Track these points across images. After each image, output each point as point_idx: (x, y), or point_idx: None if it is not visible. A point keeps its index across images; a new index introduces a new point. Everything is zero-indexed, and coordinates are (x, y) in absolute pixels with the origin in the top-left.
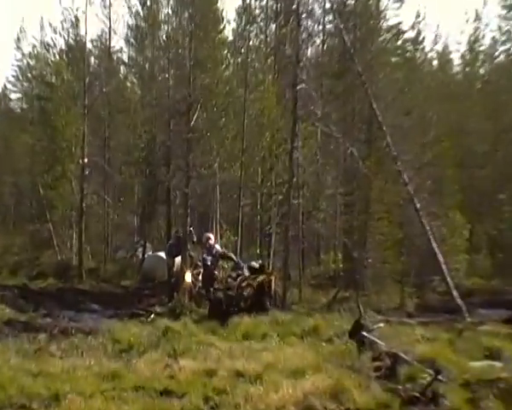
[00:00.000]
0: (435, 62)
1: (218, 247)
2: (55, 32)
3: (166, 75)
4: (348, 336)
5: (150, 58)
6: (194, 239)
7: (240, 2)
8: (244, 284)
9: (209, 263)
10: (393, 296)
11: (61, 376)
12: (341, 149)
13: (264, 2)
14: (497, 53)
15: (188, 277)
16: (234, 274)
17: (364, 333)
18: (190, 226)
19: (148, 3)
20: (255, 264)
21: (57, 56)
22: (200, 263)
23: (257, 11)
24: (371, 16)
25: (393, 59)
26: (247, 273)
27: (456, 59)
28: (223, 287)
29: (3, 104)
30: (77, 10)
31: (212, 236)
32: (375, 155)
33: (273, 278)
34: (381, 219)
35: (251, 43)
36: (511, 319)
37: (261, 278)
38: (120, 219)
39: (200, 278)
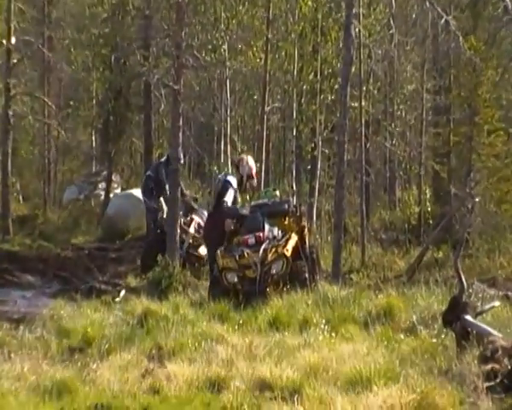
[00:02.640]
0: None
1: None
2: None
3: None
4: (442, 324)
5: None
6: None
7: None
8: (272, 256)
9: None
10: None
11: None
12: (430, 18)
13: None
14: None
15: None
16: (252, 239)
17: (469, 318)
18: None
19: None
20: (266, 199)
21: None
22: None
23: None
24: None
25: None
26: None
27: None
28: (234, 264)
29: None
30: None
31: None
32: (484, 29)
33: (304, 224)
34: (495, 133)
35: None
36: None
37: (293, 234)
38: (70, 136)
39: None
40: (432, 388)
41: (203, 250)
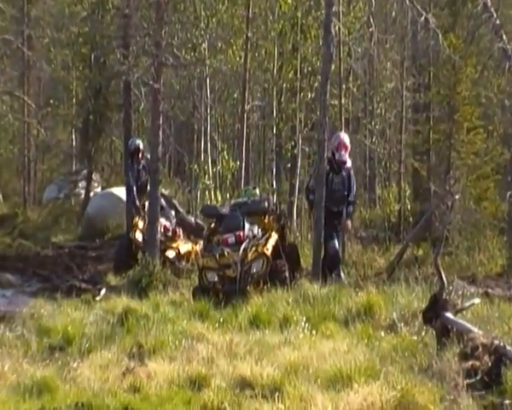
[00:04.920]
0: None
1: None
2: None
3: None
4: (422, 321)
5: None
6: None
7: None
8: (252, 255)
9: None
10: (495, 256)
11: None
12: (409, 16)
13: None
14: None
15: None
16: (232, 238)
17: (449, 315)
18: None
19: None
20: (246, 198)
21: None
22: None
23: None
24: None
25: None
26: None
27: None
28: (214, 263)
29: None
30: None
31: None
32: (463, 27)
33: (284, 223)
34: (475, 131)
35: None
36: None
37: (273, 233)
38: (49, 135)
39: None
40: (412, 385)
41: (171, 253)
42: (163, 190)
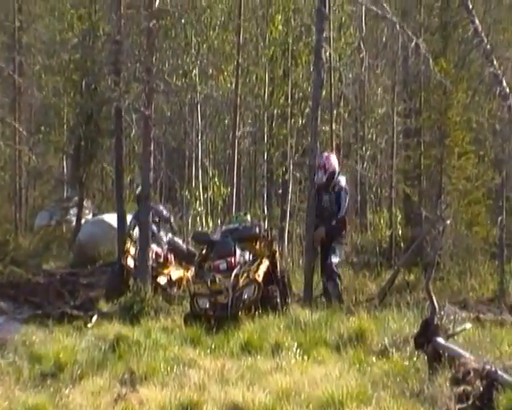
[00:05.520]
0: None
1: None
2: None
3: None
4: (414, 346)
5: None
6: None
7: None
8: (243, 281)
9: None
10: (487, 280)
11: None
12: (400, 41)
13: None
14: None
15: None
16: (223, 264)
17: (441, 340)
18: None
19: None
20: (237, 224)
21: None
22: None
23: None
24: None
25: None
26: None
27: None
28: (205, 289)
29: None
30: None
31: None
32: (454, 52)
33: (275, 249)
34: (466, 156)
35: None
36: None
37: (265, 258)
38: (41, 161)
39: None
40: None
41: (162, 280)
42: (161, 207)
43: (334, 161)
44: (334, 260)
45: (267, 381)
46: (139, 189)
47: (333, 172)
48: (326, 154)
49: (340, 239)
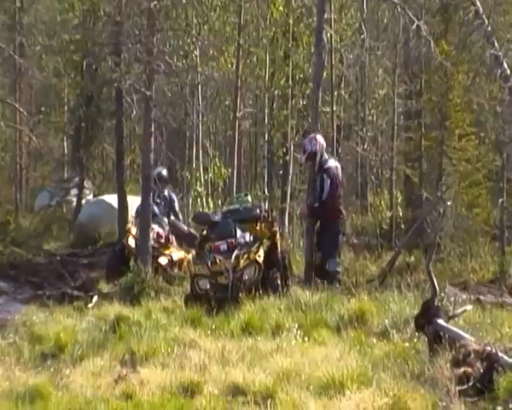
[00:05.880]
0: None
1: None
2: None
3: None
4: (415, 328)
5: None
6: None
7: None
8: (244, 262)
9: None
10: (487, 262)
11: None
12: (401, 23)
13: None
14: None
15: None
16: (223, 245)
17: (441, 322)
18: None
19: None
20: (238, 205)
21: None
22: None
23: None
24: None
25: None
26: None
27: None
28: (206, 270)
29: None
30: None
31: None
32: (455, 33)
33: (276, 230)
34: (466, 137)
35: None
36: None
37: (265, 240)
38: (41, 142)
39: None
40: (404, 392)
41: (163, 260)
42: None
43: (315, 142)
44: (333, 267)
45: (267, 362)
46: (157, 170)
47: (312, 154)
48: (311, 135)
49: (333, 228)
